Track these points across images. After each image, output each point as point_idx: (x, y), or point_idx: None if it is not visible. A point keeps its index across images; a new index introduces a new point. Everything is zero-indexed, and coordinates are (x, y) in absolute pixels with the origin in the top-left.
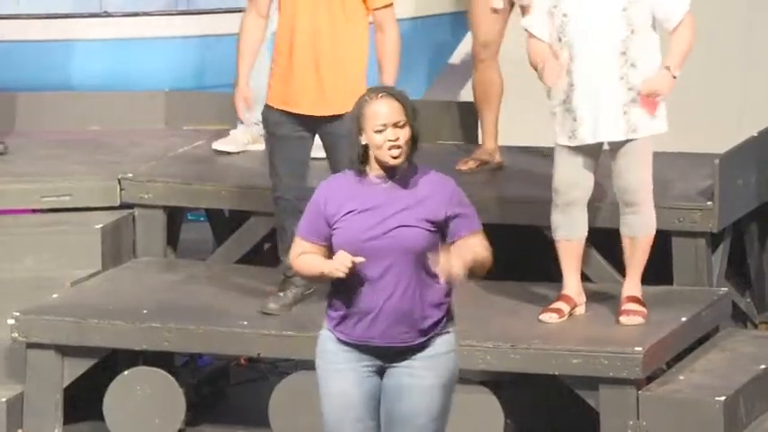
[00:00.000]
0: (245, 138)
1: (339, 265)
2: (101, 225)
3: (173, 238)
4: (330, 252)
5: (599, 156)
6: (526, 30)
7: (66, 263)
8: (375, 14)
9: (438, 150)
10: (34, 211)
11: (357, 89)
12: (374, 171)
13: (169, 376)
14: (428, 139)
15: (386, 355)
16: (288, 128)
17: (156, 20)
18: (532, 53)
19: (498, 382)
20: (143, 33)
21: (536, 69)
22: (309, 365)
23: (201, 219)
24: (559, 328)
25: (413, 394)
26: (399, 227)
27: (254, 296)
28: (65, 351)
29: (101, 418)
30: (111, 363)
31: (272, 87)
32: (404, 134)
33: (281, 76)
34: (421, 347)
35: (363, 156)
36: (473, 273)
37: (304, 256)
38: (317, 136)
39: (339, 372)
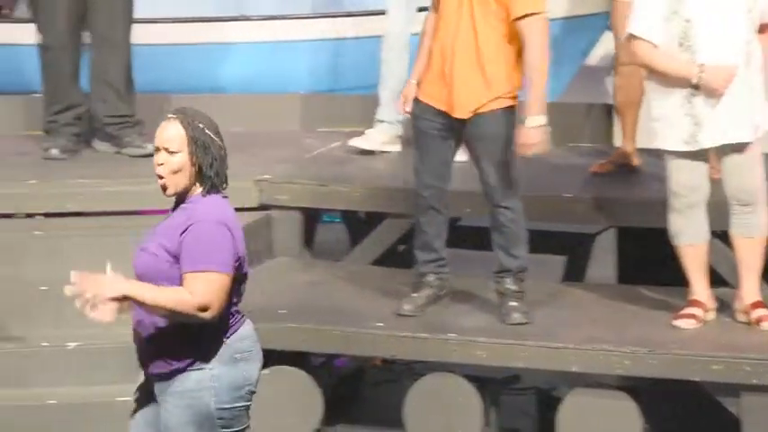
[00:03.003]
0: (382, 137)
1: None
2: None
3: (309, 240)
4: None
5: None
6: (635, 36)
7: None
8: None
9: (572, 153)
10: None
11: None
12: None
13: (307, 376)
14: (563, 142)
15: (153, 384)
16: (431, 125)
17: (293, 23)
18: (660, 59)
19: (636, 388)
20: (281, 36)
21: (673, 73)
22: (443, 368)
23: (337, 220)
24: (697, 333)
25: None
26: (140, 250)
27: (390, 297)
28: None
29: None
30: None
31: (423, 79)
32: (172, 162)
33: (432, 71)
34: (171, 380)
35: None
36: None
37: None
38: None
39: (137, 392)
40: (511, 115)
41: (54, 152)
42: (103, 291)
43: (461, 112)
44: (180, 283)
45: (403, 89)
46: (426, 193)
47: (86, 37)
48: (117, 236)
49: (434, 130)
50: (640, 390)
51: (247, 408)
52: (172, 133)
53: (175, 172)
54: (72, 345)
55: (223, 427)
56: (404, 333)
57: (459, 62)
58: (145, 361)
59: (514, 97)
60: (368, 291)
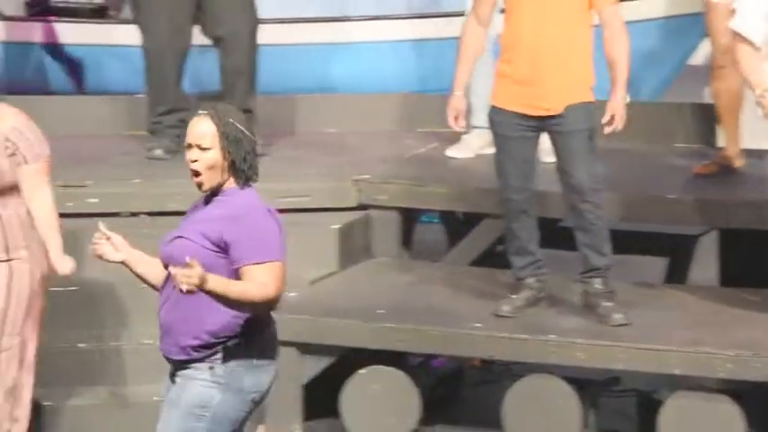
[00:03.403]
0: (479, 142)
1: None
2: (337, 225)
3: (407, 240)
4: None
5: None
6: (737, 33)
7: (305, 262)
8: (601, 12)
9: (674, 153)
10: None
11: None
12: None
13: (405, 376)
14: (664, 142)
15: (171, 366)
16: (512, 127)
17: (393, 23)
18: (749, 65)
19: (738, 391)
20: (380, 37)
21: (748, 81)
22: (542, 369)
23: (435, 221)
24: None
25: (163, 409)
26: (178, 237)
27: (488, 298)
28: (303, 348)
29: (338, 415)
30: (348, 361)
31: (499, 88)
32: (206, 158)
33: (510, 76)
34: (185, 367)
35: None
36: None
37: None
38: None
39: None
40: (593, 109)
41: (158, 152)
42: (193, 281)
43: (552, 109)
44: (227, 273)
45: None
46: (518, 196)
47: (194, 38)
48: None
49: (516, 132)
50: (742, 393)
51: (247, 415)
52: (203, 130)
53: (210, 168)
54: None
55: (210, 424)
56: (502, 334)
57: (545, 60)
58: (169, 343)
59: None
60: (466, 291)
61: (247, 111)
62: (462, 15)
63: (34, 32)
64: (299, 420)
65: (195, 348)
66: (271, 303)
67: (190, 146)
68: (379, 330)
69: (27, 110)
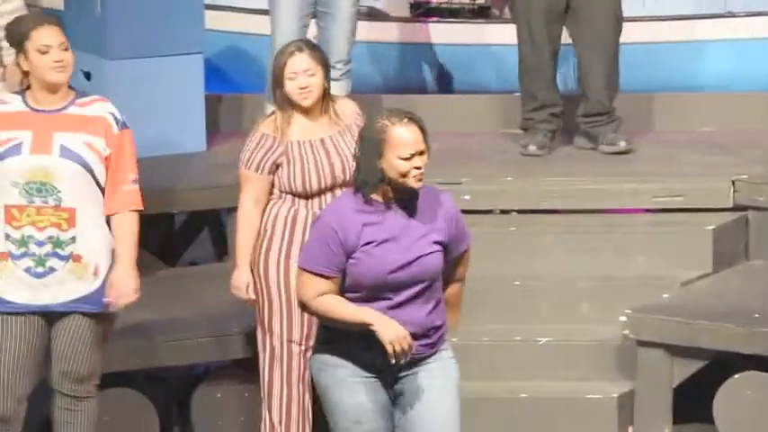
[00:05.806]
0: None
1: (397, 342)
2: (712, 227)
3: None
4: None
5: None
6: None
7: (677, 263)
8: None
9: None
10: (647, 210)
11: None
12: (379, 195)
13: None
14: None
15: (394, 367)
16: None
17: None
18: None
19: None
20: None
21: None
22: None
23: None
24: None
25: (433, 395)
26: (421, 257)
27: None
28: (674, 351)
29: (710, 420)
30: (721, 365)
31: None
32: (425, 160)
33: None
34: (431, 355)
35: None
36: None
37: (332, 299)
38: None
39: (350, 384)
40: None
41: (531, 149)
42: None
43: None
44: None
45: None
46: None
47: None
48: (585, 233)
49: None
50: None
51: None
52: (419, 136)
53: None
54: (543, 340)
55: None
56: None
57: None
58: (421, 345)
59: None
60: None
61: (607, 112)
62: None
63: (417, 33)
64: (668, 424)
65: (440, 338)
66: None
67: (411, 156)
68: (755, 335)
69: (408, 108)
